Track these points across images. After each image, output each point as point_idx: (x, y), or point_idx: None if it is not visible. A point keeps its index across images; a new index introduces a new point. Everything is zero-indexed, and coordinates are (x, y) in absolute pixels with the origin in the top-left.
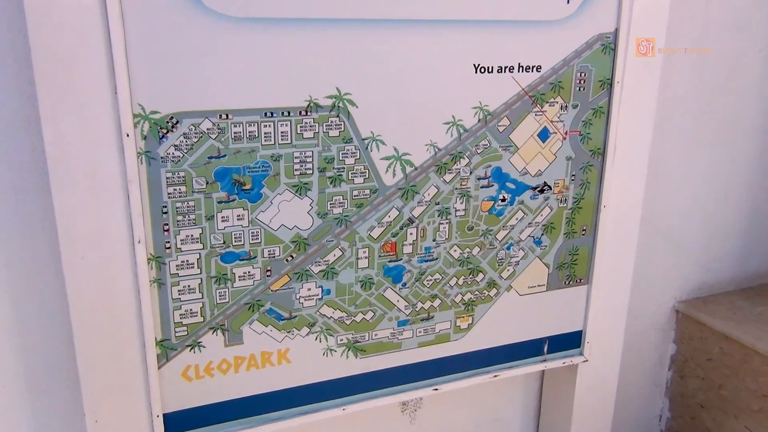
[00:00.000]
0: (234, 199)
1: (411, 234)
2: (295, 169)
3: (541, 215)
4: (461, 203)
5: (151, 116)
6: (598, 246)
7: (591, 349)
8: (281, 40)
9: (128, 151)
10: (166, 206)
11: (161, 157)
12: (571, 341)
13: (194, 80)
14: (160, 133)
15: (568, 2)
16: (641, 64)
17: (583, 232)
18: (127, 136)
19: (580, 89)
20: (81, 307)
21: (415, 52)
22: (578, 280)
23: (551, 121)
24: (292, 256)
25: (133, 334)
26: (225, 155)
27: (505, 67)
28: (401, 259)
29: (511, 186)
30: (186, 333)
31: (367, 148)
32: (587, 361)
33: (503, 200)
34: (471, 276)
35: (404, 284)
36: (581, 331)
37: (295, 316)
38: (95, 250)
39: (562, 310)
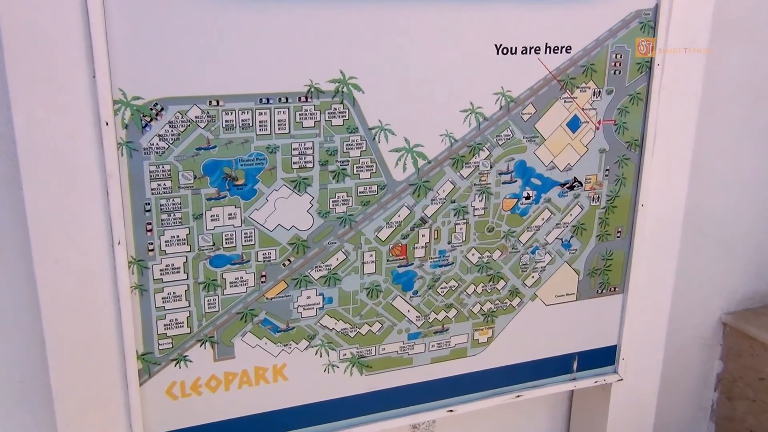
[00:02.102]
0: (225, 196)
1: (423, 236)
2: (294, 163)
3: (571, 215)
4: (480, 201)
5: (133, 102)
6: (635, 250)
7: (626, 366)
8: (278, 18)
9: (107, 142)
10: (149, 203)
11: (144, 149)
12: (604, 357)
13: (181, 62)
14: (143, 122)
15: None
16: (685, 45)
17: (618, 235)
18: (107, 124)
19: (615, 73)
20: (54, 315)
21: (429, 31)
22: (612, 289)
23: (582, 109)
24: (289, 260)
25: (111, 347)
26: (215, 146)
27: (531, 48)
28: (412, 263)
29: (537, 182)
30: (171, 346)
31: (374, 138)
32: (622, 379)
33: (528, 198)
34: (491, 283)
35: (415, 292)
36: (615, 346)
37: (293, 328)
38: (70, 252)
39: (594, 322)
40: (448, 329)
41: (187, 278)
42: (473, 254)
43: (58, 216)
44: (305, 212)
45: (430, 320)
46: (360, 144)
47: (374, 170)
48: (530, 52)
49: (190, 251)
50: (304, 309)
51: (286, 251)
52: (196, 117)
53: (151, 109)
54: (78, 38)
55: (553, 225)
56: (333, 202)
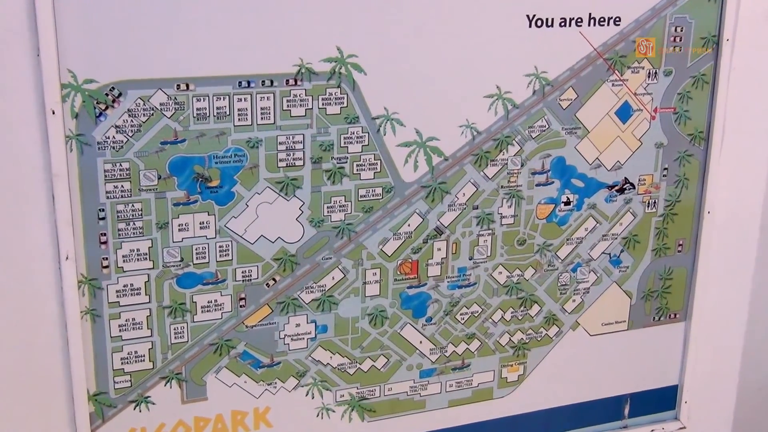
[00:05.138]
0: (196, 201)
1: (439, 250)
2: (280, 160)
3: (621, 224)
4: (509, 207)
5: (85, 87)
6: (701, 268)
7: (690, 411)
8: None
9: (53, 134)
10: (103, 210)
11: (98, 143)
12: (663, 400)
13: (144, 38)
14: (97, 110)
15: None
16: (762, 13)
17: (680, 249)
18: (53, 113)
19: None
20: None
21: None
22: (672, 315)
23: (635, 94)
24: (274, 280)
25: (57, 385)
26: (184, 140)
27: (571, 20)
28: (425, 284)
29: (579, 183)
30: (129, 384)
31: (378, 130)
32: (685, 428)
33: (567, 203)
34: (522, 308)
35: (429, 319)
36: (676, 386)
37: (279, 363)
38: (8, 269)
39: (650, 356)
40: (469, 365)
41: (150, 301)
42: (500, 272)
43: None
44: (294, 220)
45: (447, 354)
46: (361, 137)
47: (378, 169)
48: (570, 25)
49: (152, 268)
50: (292, 339)
51: (270, 268)
52: (161, 104)
53: (107, 94)
54: (19, 8)
55: (599, 237)
56: (328, 208)
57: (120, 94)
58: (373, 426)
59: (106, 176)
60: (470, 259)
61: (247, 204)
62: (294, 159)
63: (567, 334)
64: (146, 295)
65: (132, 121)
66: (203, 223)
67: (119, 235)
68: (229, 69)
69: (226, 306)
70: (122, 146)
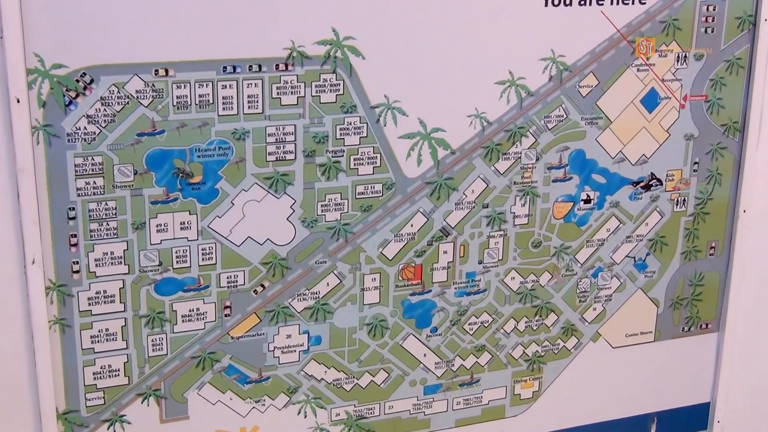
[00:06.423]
0: (176, 198)
1: (445, 252)
2: (269, 153)
3: (647, 225)
4: (523, 206)
5: (54, 72)
6: (735, 272)
7: (724, 431)
8: None
9: (18, 125)
10: (74, 209)
11: (68, 134)
12: (694, 419)
13: (118, 19)
14: (67, 98)
15: None
16: None
17: (712, 252)
18: (17, 101)
19: (706, 31)
20: None
21: None
22: (704, 326)
23: (662, 80)
24: (263, 286)
25: (23, 402)
26: (163, 131)
27: None
28: (430, 291)
29: (600, 179)
30: (103, 401)
31: (378, 120)
32: None
33: (587, 201)
34: (537, 318)
35: (434, 330)
36: (708, 403)
37: (268, 378)
38: None
39: (679, 370)
40: (478, 380)
41: (125, 310)
42: (513, 278)
43: None
44: (284, 220)
45: (454, 368)
46: (359, 128)
47: (378, 164)
48: (591, 3)
49: (128, 273)
50: (282, 352)
51: (258, 273)
52: (137, 91)
53: (78, 80)
54: None
55: (623, 238)
56: (322, 206)
57: (92, 81)
58: None
59: (76, 171)
60: (480, 263)
61: (233, 202)
62: (284, 152)
63: (587, 346)
64: (121, 303)
65: (105, 110)
66: (184, 223)
67: (91, 236)
68: (212, 53)
69: (209, 315)
70: (94, 138)
